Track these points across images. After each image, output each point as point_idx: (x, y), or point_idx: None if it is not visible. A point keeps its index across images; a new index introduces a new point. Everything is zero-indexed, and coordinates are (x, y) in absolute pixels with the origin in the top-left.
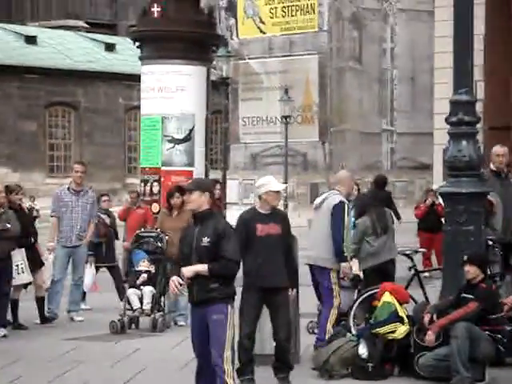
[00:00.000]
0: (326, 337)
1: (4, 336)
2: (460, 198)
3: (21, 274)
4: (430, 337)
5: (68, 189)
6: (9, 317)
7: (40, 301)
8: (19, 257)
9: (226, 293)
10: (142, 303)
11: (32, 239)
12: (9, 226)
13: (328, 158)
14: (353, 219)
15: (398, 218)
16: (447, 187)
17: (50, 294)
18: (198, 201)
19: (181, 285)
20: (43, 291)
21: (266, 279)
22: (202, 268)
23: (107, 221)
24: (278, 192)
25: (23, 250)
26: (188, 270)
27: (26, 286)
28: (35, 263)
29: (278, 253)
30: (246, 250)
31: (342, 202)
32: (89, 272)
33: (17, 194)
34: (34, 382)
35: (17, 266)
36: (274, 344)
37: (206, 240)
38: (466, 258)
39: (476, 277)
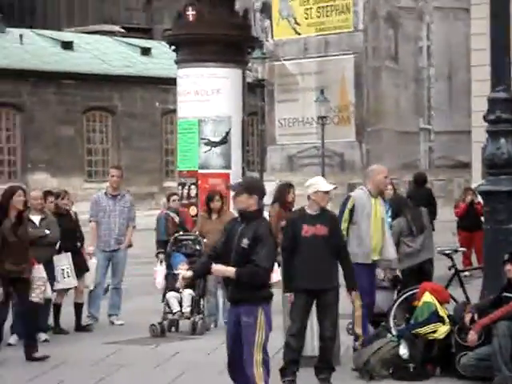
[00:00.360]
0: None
1: (45, 341)
2: (499, 197)
3: (66, 278)
4: (473, 336)
5: (105, 193)
6: (50, 321)
7: (78, 307)
8: (65, 261)
9: (258, 295)
10: (181, 306)
11: (78, 244)
12: (47, 232)
13: (365, 158)
14: (389, 220)
15: (434, 217)
16: (486, 185)
17: (91, 298)
18: (246, 202)
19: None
20: (83, 297)
21: (312, 281)
22: (230, 272)
23: (176, 219)
24: (326, 192)
25: (69, 254)
26: (216, 270)
27: (66, 290)
28: (80, 268)
29: (324, 254)
30: (293, 251)
31: (348, 196)
32: (160, 270)
33: (63, 199)
34: None
35: (62, 270)
36: (319, 344)
37: (245, 242)
38: (506, 256)
39: None
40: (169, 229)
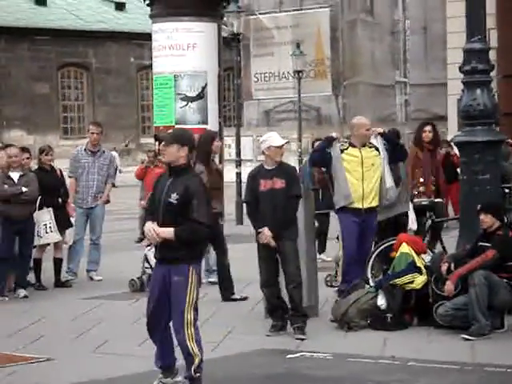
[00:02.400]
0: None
1: (25, 297)
2: (475, 147)
3: (49, 233)
4: (449, 286)
5: (85, 150)
6: (30, 277)
7: (58, 262)
8: (47, 216)
9: (189, 254)
10: None
11: (60, 200)
12: (25, 189)
13: (342, 112)
14: None
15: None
16: (462, 136)
17: (70, 254)
18: (176, 154)
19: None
20: (62, 253)
21: (273, 232)
22: (168, 233)
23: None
24: (279, 147)
25: (51, 209)
26: (151, 232)
27: (46, 246)
28: (63, 224)
29: (282, 206)
30: (255, 204)
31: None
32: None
33: (46, 155)
34: (55, 340)
35: (45, 225)
36: (287, 293)
37: (174, 196)
38: (479, 207)
39: (492, 225)
40: (314, 177)
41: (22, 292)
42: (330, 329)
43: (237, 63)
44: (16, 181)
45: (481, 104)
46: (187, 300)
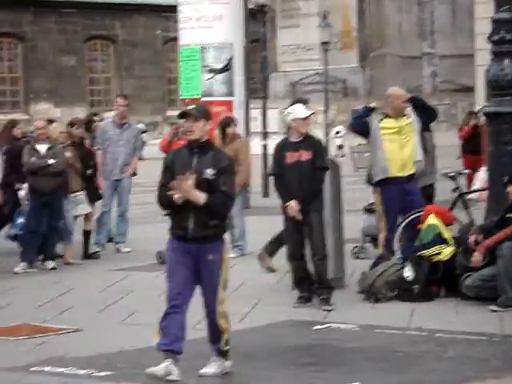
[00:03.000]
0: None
1: (53, 268)
2: (504, 118)
3: (80, 204)
4: (477, 257)
5: (112, 122)
6: (59, 249)
7: (87, 234)
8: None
9: (221, 231)
10: None
11: (89, 171)
12: (52, 161)
13: (368, 84)
14: None
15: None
16: (490, 107)
17: (98, 226)
18: (203, 130)
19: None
20: (91, 225)
21: (298, 203)
22: (200, 197)
23: None
24: (304, 119)
25: (80, 181)
26: (185, 191)
27: (76, 217)
28: (92, 196)
29: (308, 177)
30: (281, 176)
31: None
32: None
33: (77, 128)
34: (84, 311)
35: (75, 196)
36: (313, 265)
37: (209, 172)
38: (506, 179)
39: None
40: None
41: (50, 263)
42: (357, 300)
43: (263, 35)
44: (43, 153)
45: (509, 74)
46: (221, 278)
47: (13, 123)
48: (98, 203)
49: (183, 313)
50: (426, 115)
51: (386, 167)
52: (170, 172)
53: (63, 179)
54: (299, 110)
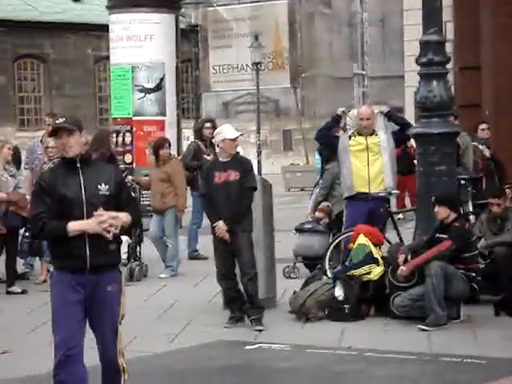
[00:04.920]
0: None
1: None
2: (431, 139)
3: None
4: (403, 272)
5: (41, 141)
6: None
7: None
8: None
9: (119, 258)
10: None
11: None
12: None
13: (300, 104)
14: (319, 166)
15: None
16: (418, 128)
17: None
18: (80, 142)
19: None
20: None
21: (227, 224)
22: (126, 218)
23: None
24: (233, 140)
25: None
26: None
27: None
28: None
29: (236, 198)
30: (209, 197)
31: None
32: None
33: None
34: (12, 333)
35: None
36: (242, 286)
37: (104, 188)
38: (434, 199)
39: (447, 217)
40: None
41: None
42: (288, 320)
43: (195, 55)
44: None
45: (437, 96)
46: (120, 311)
47: None
48: None
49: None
50: (404, 134)
51: (349, 187)
52: (48, 195)
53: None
54: (228, 131)
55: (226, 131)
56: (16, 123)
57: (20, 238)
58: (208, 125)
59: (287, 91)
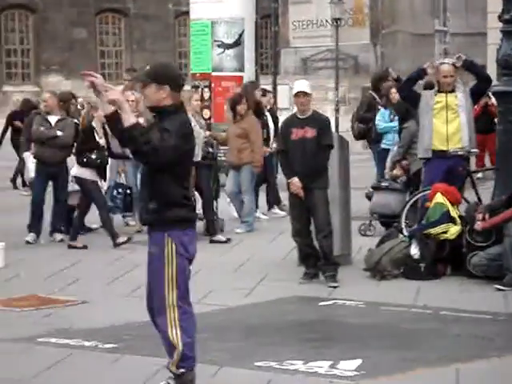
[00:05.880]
0: None
1: (61, 240)
2: None
3: None
4: (478, 226)
5: None
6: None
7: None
8: None
9: (164, 218)
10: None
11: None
12: (60, 133)
13: (380, 61)
14: (397, 123)
15: None
16: (500, 86)
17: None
18: (154, 96)
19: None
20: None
21: (301, 180)
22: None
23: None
24: (300, 94)
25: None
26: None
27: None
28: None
29: (313, 155)
30: (285, 153)
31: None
32: None
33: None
34: (91, 284)
35: None
36: (317, 242)
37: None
38: None
39: None
40: None
41: (58, 236)
42: (363, 277)
43: (274, 10)
44: (53, 124)
45: None
46: (165, 275)
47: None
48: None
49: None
50: (481, 82)
51: (428, 145)
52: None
53: (69, 152)
54: (296, 86)
55: (295, 87)
56: None
57: (114, 192)
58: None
59: (367, 48)
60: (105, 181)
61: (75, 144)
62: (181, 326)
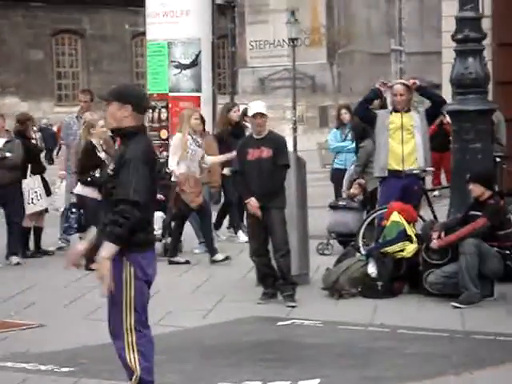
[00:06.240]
0: None
1: (17, 264)
2: (467, 116)
3: (40, 200)
4: (434, 245)
5: (76, 117)
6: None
7: (39, 231)
8: (36, 183)
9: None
10: None
11: (43, 168)
12: (9, 154)
13: (336, 80)
14: (348, 143)
15: None
16: (454, 105)
17: (63, 221)
18: (116, 115)
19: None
20: (43, 222)
21: (259, 200)
22: (106, 252)
23: None
24: (257, 115)
25: (38, 176)
26: (98, 261)
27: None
28: (46, 191)
29: (269, 175)
30: (241, 174)
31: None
32: None
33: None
34: (48, 307)
35: (35, 192)
36: (275, 262)
37: (111, 166)
38: (468, 176)
39: (482, 194)
40: None
41: (14, 259)
42: (321, 297)
43: (231, 30)
44: (1, 146)
45: (473, 73)
46: (123, 300)
47: None
48: (56, 197)
49: None
50: (435, 104)
51: (384, 165)
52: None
53: (19, 173)
54: (251, 108)
55: (251, 108)
56: (54, 98)
57: (66, 213)
58: None
59: (324, 67)
60: None
61: (78, 162)
62: (138, 350)
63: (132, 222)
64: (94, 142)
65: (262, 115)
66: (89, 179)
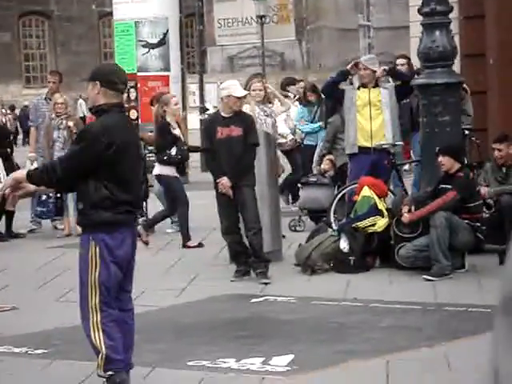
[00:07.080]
0: None
1: None
2: (435, 89)
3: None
4: (404, 219)
5: (45, 99)
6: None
7: (11, 214)
8: None
9: (89, 220)
10: None
11: (8, 150)
12: None
13: (306, 57)
14: (318, 124)
15: None
16: (422, 79)
17: (34, 205)
18: (90, 94)
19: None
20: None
21: (230, 179)
22: (20, 173)
23: None
24: (239, 98)
25: (0, 160)
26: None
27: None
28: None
29: (239, 153)
30: (211, 152)
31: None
32: None
33: None
34: (20, 290)
35: None
36: (248, 239)
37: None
38: (437, 149)
39: (451, 167)
40: None
41: None
42: (293, 273)
43: (199, 9)
44: None
45: (440, 46)
46: (88, 278)
47: None
48: None
49: None
50: (405, 84)
51: (354, 141)
52: None
53: None
54: (235, 88)
55: (233, 88)
56: (22, 81)
57: (44, 197)
58: None
59: (292, 44)
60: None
61: (154, 142)
62: (103, 329)
63: (49, 178)
64: (168, 119)
65: (241, 97)
66: (165, 158)
